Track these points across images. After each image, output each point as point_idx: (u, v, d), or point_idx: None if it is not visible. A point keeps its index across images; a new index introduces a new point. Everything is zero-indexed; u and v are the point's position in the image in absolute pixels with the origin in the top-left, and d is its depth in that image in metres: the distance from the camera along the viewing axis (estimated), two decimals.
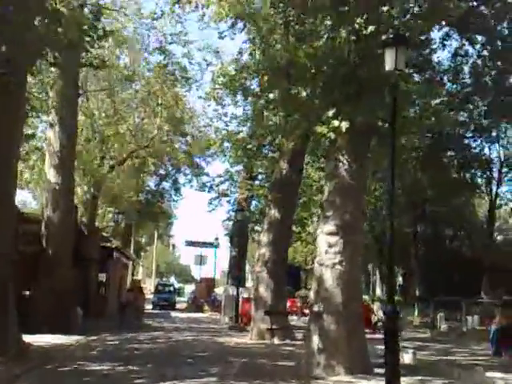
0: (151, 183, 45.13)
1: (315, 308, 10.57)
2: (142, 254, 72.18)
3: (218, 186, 27.49)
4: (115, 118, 26.67)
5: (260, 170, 26.81)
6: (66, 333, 16.21)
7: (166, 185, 44.75)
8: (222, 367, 11.48)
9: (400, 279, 41.23)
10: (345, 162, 10.61)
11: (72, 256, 19.49)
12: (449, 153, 27.93)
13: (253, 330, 18.76)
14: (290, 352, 15.01)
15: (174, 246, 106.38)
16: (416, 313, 28.61)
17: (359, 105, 10.10)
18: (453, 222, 33.46)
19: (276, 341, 17.28)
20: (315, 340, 10.48)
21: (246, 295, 26.06)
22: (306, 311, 28.40)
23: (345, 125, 10.00)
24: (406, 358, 12.53)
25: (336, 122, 10.01)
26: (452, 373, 10.71)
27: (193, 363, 12.13)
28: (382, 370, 10.77)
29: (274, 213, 19.06)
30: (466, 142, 27.72)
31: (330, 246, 10.55)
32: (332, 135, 10.24)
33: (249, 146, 21.86)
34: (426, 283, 31.71)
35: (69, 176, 19.20)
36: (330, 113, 10.11)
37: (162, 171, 43.69)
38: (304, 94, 10.38)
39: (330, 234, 10.59)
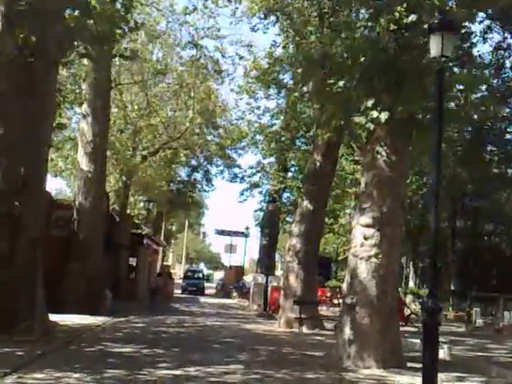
0: (183, 174, 45.64)
1: (348, 300, 10.48)
2: (173, 241, 72.97)
3: (249, 177, 27.49)
4: (148, 111, 26.89)
5: (293, 163, 26.71)
6: (94, 314, 16.56)
7: (198, 175, 45.19)
8: (249, 354, 11.47)
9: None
10: (383, 153, 10.43)
11: (103, 241, 19.98)
12: (489, 147, 27.31)
13: (281, 318, 18.76)
14: (318, 342, 14.95)
15: (204, 234, 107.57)
16: (450, 307, 28.23)
17: (399, 95, 9.91)
18: (492, 218, 32.79)
19: (304, 330, 17.26)
20: (347, 331, 10.40)
21: (275, 284, 26.14)
22: (336, 301, 28.36)
23: (384, 115, 9.83)
24: (441, 352, 12.31)
25: (375, 113, 9.85)
26: (489, 370, 10.48)
27: (220, 349, 12.15)
28: (415, 365, 10.66)
29: (306, 204, 18.95)
30: (508, 137, 27.08)
31: (366, 238, 10.42)
32: (371, 126, 10.08)
33: (282, 139, 21.74)
34: (461, 278, 31.22)
35: (101, 165, 19.71)
36: (369, 103, 9.94)
37: (193, 162, 44.14)
38: (341, 83, 10.21)
39: (367, 226, 10.46)
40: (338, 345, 10.63)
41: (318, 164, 18.94)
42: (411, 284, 35.84)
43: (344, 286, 10.92)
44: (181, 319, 19.33)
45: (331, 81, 10.40)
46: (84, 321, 15.27)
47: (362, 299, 10.31)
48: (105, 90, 19.89)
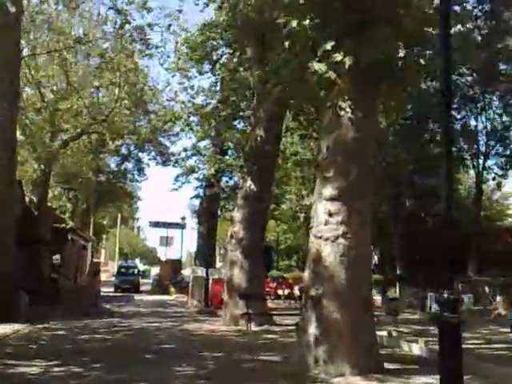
0: (112, 163, 42.64)
1: (312, 291, 8.48)
2: (105, 236, 69.31)
3: (184, 160, 25.09)
4: (68, 90, 23.92)
5: (230, 144, 24.58)
6: (6, 321, 14.09)
7: (129, 165, 42.38)
8: (191, 365, 9.29)
9: (376, 258, 39.78)
10: (347, 109, 8.47)
11: (17, 236, 17.37)
12: (431, 126, 26.16)
13: (226, 315, 16.70)
14: (272, 341, 12.99)
15: (139, 228, 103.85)
16: (398, 292, 27.04)
17: (366, 36, 7.98)
18: (435, 199, 31.90)
19: (253, 327, 15.22)
20: (312, 330, 8.41)
21: (215, 276, 24.14)
22: (280, 292, 26.60)
23: (349, 60, 7.88)
24: (416, 348, 10.66)
25: (338, 56, 7.87)
26: (486, 371, 8.70)
27: (154, 360, 9.90)
28: (392, 366, 8.89)
29: (249, 185, 16.91)
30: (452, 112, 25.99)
31: (331, 214, 8.45)
32: (332, 74, 8.10)
33: (220, 115, 19.53)
34: (406, 262, 30.14)
35: (9, 149, 17.03)
36: (329, 45, 7.94)
37: (124, 150, 41.21)
38: (293, 23, 8.14)
39: (331, 199, 8.48)
40: (301, 347, 8.63)
41: (260, 140, 16.90)
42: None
43: (305, 274, 8.91)
44: (110, 322, 16.91)
45: (280, 20, 8.29)
46: None
47: (330, 290, 8.34)
48: (12, 60, 17.10)
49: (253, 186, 16.72)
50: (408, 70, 8.32)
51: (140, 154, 40.32)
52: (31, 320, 15.48)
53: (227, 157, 24.96)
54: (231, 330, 15.14)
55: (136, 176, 42.32)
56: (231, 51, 17.23)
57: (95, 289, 22.23)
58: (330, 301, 8.33)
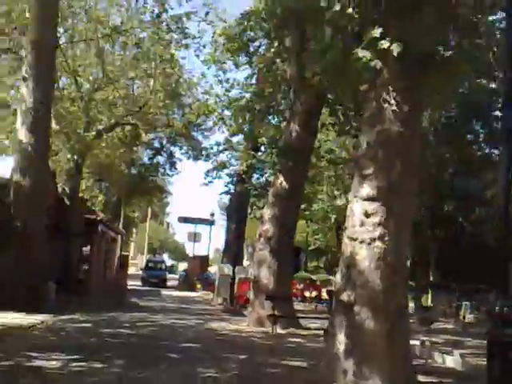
0: (145, 157, 42.57)
1: (344, 296, 7.89)
2: (134, 230, 69.63)
3: (215, 155, 24.62)
4: (104, 81, 23.72)
5: (264, 140, 23.99)
6: (34, 311, 13.95)
7: (161, 159, 42.25)
8: (215, 367, 8.80)
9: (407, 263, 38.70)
10: (392, 101, 7.84)
11: (49, 227, 17.44)
12: (475, 126, 25.12)
13: (251, 315, 16.21)
14: (298, 345, 12.46)
15: (168, 223, 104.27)
16: (430, 300, 26.08)
17: (415, 22, 7.36)
18: (477, 203, 30.70)
19: (278, 329, 14.69)
20: (342, 339, 7.82)
21: (242, 275, 23.71)
22: (308, 294, 25.96)
23: (397, 47, 7.26)
24: (451, 361, 9.96)
25: (385, 43, 7.26)
26: None
27: (177, 360, 9.43)
28: (425, 379, 8.28)
29: (281, 183, 16.35)
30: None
31: (368, 215, 7.84)
32: (378, 63, 7.49)
33: (254, 108, 18.95)
34: (441, 268, 29.08)
35: (44, 137, 17.04)
36: (377, 32, 7.35)
37: (156, 144, 41.08)
38: (337, 7, 7.56)
39: (369, 199, 7.87)
40: (329, 356, 8.05)
41: (295, 135, 16.32)
42: None
43: (337, 277, 8.33)
44: (136, 317, 16.63)
45: (323, 4, 7.71)
46: (18, 320, 12.61)
47: (363, 296, 7.74)
48: (49, 48, 16.94)
49: (284, 183, 16.16)
50: (459, 61, 7.64)
51: (172, 148, 40.22)
52: (58, 311, 15.35)
53: (260, 153, 24.35)
54: (256, 332, 14.65)
55: (167, 170, 42.18)
56: (269, 41, 16.62)
57: (122, 282, 21.98)
58: (362, 307, 7.73)
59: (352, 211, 8.14)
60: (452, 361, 10.00)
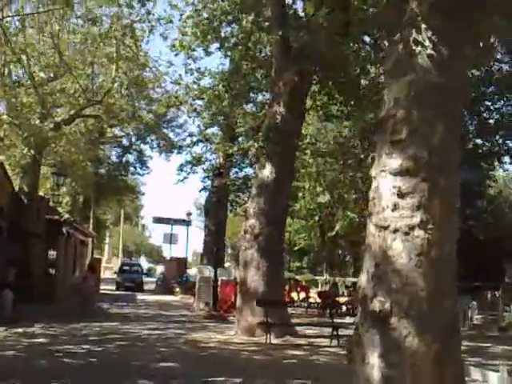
0: (113, 156, 40.40)
1: (375, 305, 5.87)
2: (108, 233, 66.96)
3: (189, 146, 22.46)
4: (60, 65, 21.30)
5: (242, 130, 21.93)
6: None
7: (131, 157, 40.13)
8: None
9: None
10: (427, 43, 5.88)
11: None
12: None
13: (239, 323, 14.16)
14: (300, 360, 10.51)
15: (143, 226, 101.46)
16: None
17: None
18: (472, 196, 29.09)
19: (273, 339, 12.68)
20: (374, 361, 5.81)
21: (225, 277, 21.69)
22: (295, 297, 23.94)
23: None
24: (494, 379, 8.07)
25: None
26: None
27: None
28: None
29: (266, 172, 14.35)
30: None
31: (403, 194, 5.86)
32: None
33: (231, 86, 16.83)
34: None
35: None
36: None
37: (125, 142, 38.90)
38: None
39: (402, 173, 5.89)
40: (358, 381, 6.04)
41: (280, 118, 14.34)
42: None
43: (362, 279, 6.30)
44: (105, 328, 14.50)
45: None
46: None
47: (402, 303, 5.74)
48: None
49: (271, 173, 14.16)
50: None
51: (142, 146, 38.08)
52: (15, 321, 13.70)
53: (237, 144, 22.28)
54: (247, 342, 12.61)
55: (138, 169, 40.07)
56: (244, 14, 14.58)
57: (90, 287, 19.82)
58: (401, 319, 5.73)
59: (378, 191, 6.13)
60: (494, 379, 8.08)
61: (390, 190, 5.97)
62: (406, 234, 5.82)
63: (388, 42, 6.38)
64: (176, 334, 13.84)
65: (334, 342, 12.63)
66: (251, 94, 19.12)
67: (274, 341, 12.57)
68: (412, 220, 5.81)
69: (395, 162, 5.96)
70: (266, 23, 14.28)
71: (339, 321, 14.74)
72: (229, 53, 18.03)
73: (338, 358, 10.97)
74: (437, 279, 5.80)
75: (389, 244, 5.90)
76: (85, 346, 10.77)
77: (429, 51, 5.89)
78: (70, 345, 10.91)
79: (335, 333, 12.75)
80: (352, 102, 15.55)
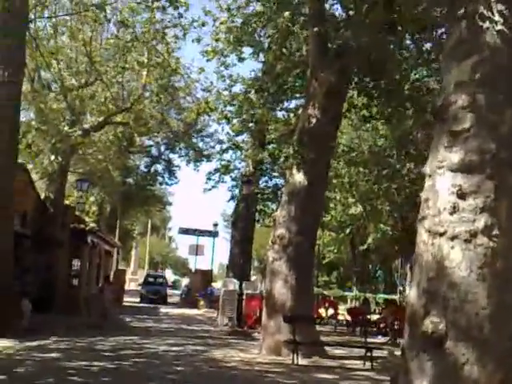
0: (142, 166, 40.09)
1: (427, 325, 4.95)
2: (134, 244, 66.71)
3: (218, 153, 21.77)
4: (91, 72, 20.92)
5: (272, 137, 21.15)
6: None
7: (159, 167, 39.70)
8: None
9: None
10: (497, 18, 5.01)
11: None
12: None
13: (264, 341, 13.18)
14: None
15: (171, 238, 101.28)
16: None
17: None
18: None
19: (300, 359, 11.67)
20: None
21: (250, 291, 20.75)
22: (323, 314, 22.78)
23: None
24: None
25: None
26: None
27: None
28: None
29: (298, 178, 13.47)
30: None
31: (464, 194, 4.96)
32: None
33: (264, 88, 16.05)
34: None
35: (10, 131, 14.27)
36: None
37: (154, 152, 38.57)
38: None
39: (464, 169, 4.99)
40: None
41: (314, 121, 13.44)
42: (408, 290, 30.59)
43: (411, 295, 5.38)
44: (122, 343, 13.67)
45: None
46: None
47: (460, 324, 4.82)
48: (18, 23, 14.27)
49: (303, 179, 13.27)
50: None
51: (171, 156, 37.69)
52: (31, 334, 12.85)
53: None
54: (271, 363, 11.62)
55: (166, 179, 39.60)
56: (280, 12, 13.79)
57: (105, 299, 19.20)
58: (458, 343, 4.80)
59: (434, 190, 5.22)
60: None
61: (448, 189, 5.07)
62: (467, 241, 4.91)
63: (448, 19, 5.49)
64: (196, 351, 12.93)
65: (367, 365, 11.59)
66: (284, 102, 18.25)
67: (302, 361, 11.56)
68: (474, 225, 4.90)
69: (456, 156, 5.06)
70: (303, 19, 13.48)
71: (371, 340, 13.66)
72: (262, 56, 17.40)
73: (372, 383, 9.98)
74: (502, 295, 4.87)
75: (445, 253, 5.00)
76: (99, 363, 9.97)
77: (499, 27, 5.01)
78: (81, 361, 10.11)
79: (369, 354, 11.70)
80: (394, 104, 14.61)
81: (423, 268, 5.18)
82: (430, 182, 5.30)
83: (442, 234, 5.04)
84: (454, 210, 4.99)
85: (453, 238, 4.97)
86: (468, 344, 4.80)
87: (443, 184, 5.12)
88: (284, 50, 14.76)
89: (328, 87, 13.19)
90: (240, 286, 19.45)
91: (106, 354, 11.40)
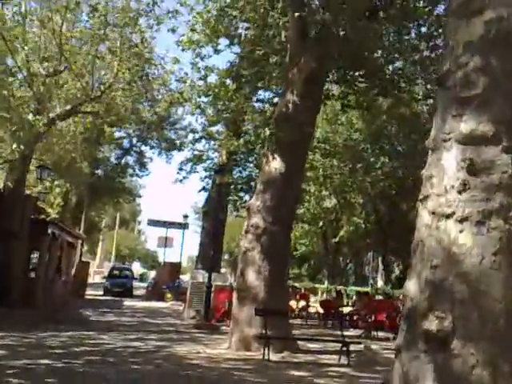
0: (112, 158, 38.89)
1: (431, 321, 4.27)
2: (101, 236, 65.17)
3: (191, 143, 20.89)
4: (60, 60, 19.75)
5: (247, 129, 20.43)
6: None
7: (130, 159, 38.65)
8: None
9: (397, 270, 35.65)
10: None
11: None
12: None
13: (233, 334, 12.43)
14: None
15: (140, 231, 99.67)
16: None
17: None
18: None
19: (272, 355, 10.96)
20: None
21: (219, 283, 20.01)
22: (294, 305, 22.15)
23: None
24: None
25: None
26: None
27: None
28: None
29: (274, 165, 12.76)
30: None
31: (476, 170, 4.29)
32: None
33: (242, 74, 15.28)
34: None
35: None
36: None
37: (126, 144, 37.50)
38: None
39: (476, 140, 4.32)
40: None
41: (292, 107, 12.75)
42: (380, 283, 30.32)
43: (409, 286, 4.68)
44: (76, 337, 12.71)
45: None
46: None
47: (470, 321, 4.15)
48: None
49: (278, 166, 12.56)
50: None
51: (143, 148, 36.69)
52: None
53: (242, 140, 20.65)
54: (240, 359, 10.88)
55: (137, 171, 38.54)
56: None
57: (56, 290, 18.27)
58: (467, 342, 4.13)
59: (439, 165, 4.53)
60: None
61: (456, 164, 4.39)
62: (479, 223, 4.24)
63: None
64: (157, 347, 12.05)
65: (343, 360, 10.96)
66: (261, 90, 17.48)
67: (273, 357, 10.84)
68: (488, 205, 4.23)
69: (466, 126, 4.37)
70: (282, 3, 12.81)
71: (345, 334, 13.03)
72: (238, 47, 16.66)
73: (350, 381, 9.33)
74: None
75: (453, 238, 4.31)
76: (46, 361, 9.04)
77: None
78: (30, 359, 9.19)
79: (345, 348, 11.07)
80: (375, 91, 14.03)
81: (425, 255, 4.49)
82: (435, 156, 4.61)
83: (448, 216, 4.36)
84: (464, 187, 4.31)
85: (462, 220, 4.29)
86: (479, 344, 4.13)
87: (450, 158, 4.44)
88: (262, 37, 13.98)
89: (307, 74, 12.55)
90: (209, 277, 18.66)
91: (56, 351, 10.45)
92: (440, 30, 13.25)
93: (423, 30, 13.68)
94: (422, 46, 14.03)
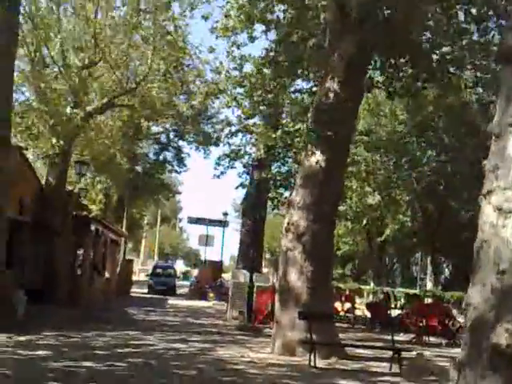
0: (151, 154, 38.97)
1: (499, 335, 3.67)
2: (144, 234, 65.75)
3: (227, 137, 20.46)
4: (95, 51, 19.67)
5: (286, 122, 19.86)
6: None
7: (169, 155, 38.58)
8: None
9: (446, 271, 34.48)
10: None
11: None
12: None
13: (276, 339, 11.93)
14: None
15: (181, 228, 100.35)
16: None
17: None
18: None
19: (318, 362, 10.40)
20: None
21: (261, 284, 19.58)
22: (340, 308, 21.44)
23: None
24: None
25: None
26: None
27: None
28: None
29: (314, 159, 12.16)
30: None
31: None
32: None
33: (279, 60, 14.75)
34: None
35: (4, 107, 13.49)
36: None
37: (163, 139, 37.44)
38: None
39: None
40: None
41: (332, 96, 12.10)
42: (429, 285, 29.22)
43: (472, 294, 4.09)
44: (121, 338, 12.63)
45: None
46: None
47: None
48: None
49: (320, 160, 11.96)
50: None
51: (180, 143, 36.55)
52: (24, 328, 11.97)
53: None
54: (285, 365, 10.36)
55: (176, 167, 38.47)
56: None
57: (93, 291, 18.35)
58: None
59: (505, 155, 3.92)
60: None
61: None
62: None
63: None
64: (200, 350, 11.71)
65: (395, 368, 10.32)
66: (299, 78, 16.83)
67: (319, 363, 10.31)
68: None
69: None
70: None
71: (395, 339, 12.34)
72: (274, 33, 16.10)
73: None
74: None
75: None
76: (88, 364, 8.81)
77: None
78: (73, 360, 8.98)
79: (396, 356, 10.42)
80: (423, 76, 13.25)
81: (491, 258, 3.89)
82: (500, 143, 4.00)
83: (500, 210, 3.75)
84: None
85: None
86: None
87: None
88: (300, 19, 13.37)
89: (348, 59, 11.86)
90: (250, 277, 18.24)
91: (99, 352, 10.23)
92: (491, 12, 12.42)
93: (473, 11, 12.80)
94: (472, 28, 13.16)
